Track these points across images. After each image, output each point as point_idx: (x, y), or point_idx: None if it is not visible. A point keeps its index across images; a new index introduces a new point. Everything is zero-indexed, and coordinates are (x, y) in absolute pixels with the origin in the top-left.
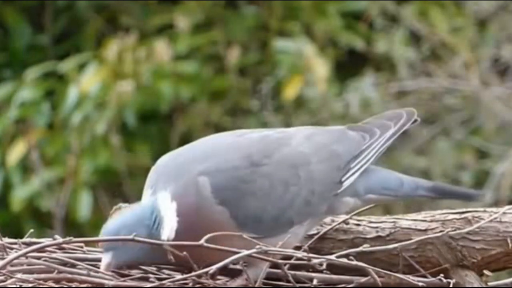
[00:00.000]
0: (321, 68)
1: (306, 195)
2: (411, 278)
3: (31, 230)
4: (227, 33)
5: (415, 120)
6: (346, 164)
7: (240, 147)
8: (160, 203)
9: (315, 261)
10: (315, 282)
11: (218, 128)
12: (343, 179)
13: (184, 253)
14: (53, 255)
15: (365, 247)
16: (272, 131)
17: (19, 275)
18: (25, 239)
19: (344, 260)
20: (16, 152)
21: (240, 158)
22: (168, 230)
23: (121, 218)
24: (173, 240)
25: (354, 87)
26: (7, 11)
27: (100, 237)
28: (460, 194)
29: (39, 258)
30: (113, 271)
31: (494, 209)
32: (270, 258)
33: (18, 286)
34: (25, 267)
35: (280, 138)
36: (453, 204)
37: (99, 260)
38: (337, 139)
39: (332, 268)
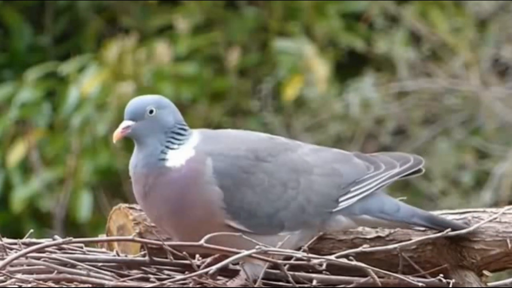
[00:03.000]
0: (321, 68)
1: (302, 201)
2: (410, 278)
3: (31, 231)
4: (227, 34)
5: (420, 170)
6: (347, 186)
7: (248, 141)
8: (191, 139)
9: (314, 261)
10: (314, 282)
11: (218, 129)
12: (340, 199)
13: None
14: (53, 255)
15: (364, 247)
16: (282, 137)
17: (19, 275)
18: (25, 240)
19: (344, 260)
20: (16, 153)
21: (246, 150)
22: (180, 157)
23: (168, 101)
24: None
25: (354, 88)
26: (7, 11)
27: (99, 238)
28: (452, 227)
29: (39, 258)
30: (112, 272)
31: (494, 210)
32: (268, 258)
33: (18, 286)
34: (25, 267)
35: (287, 143)
36: (453, 204)
37: (99, 260)
38: (342, 160)
39: (332, 268)
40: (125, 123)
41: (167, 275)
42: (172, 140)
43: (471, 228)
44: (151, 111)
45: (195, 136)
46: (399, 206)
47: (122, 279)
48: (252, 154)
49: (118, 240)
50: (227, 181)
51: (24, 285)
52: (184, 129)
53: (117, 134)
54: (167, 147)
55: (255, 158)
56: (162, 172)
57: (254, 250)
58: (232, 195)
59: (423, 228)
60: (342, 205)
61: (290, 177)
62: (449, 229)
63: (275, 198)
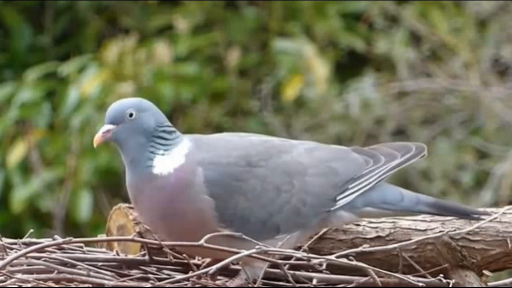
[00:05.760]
0: (321, 68)
1: (296, 204)
2: (411, 278)
3: (31, 231)
4: (227, 34)
5: (423, 155)
6: (344, 184)
7: (239, 147)
8: (180, 146)
9: (314, 261)
10: (314, 282)
11: (218, 129)
12: (338, 197)
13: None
14: (53, 255)
15: (364, 247)
16: (276, 139)
17: (19, 275)
18: (25, 239)
19: (344, 260)
20: (16, 153)
21: (237, 156)
22: (168, 164)
23: (149, 104)
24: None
25: (354, 88)
26: (7, 11)
27: (99, 238)
28: (460, 211)
29: (39, 258)
30: (113, 271)
31: (494, 209)
32: (268, 258)
33: (18, 286)
34: (25, 267)
35: (281, 145)
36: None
37: (99, 260)
38: (338, 157)
39: (332, 268)
40: (106, 127)
41: (167, 275)
42: (156, 145)
43: (471, 228)
44: (131, 115)
45: (186, 143)
46: (403, 194)
47: (122, 279)
48: (243, 160)
49: (118, 240)
50: (219, 190)
51: (24, 285)
52: (169, 132)
53: (97, 138)
54: (152, 152)
55: (247, 164)
56: (149, 178)
57: (254, 250)
58: (224, 204)
59: (423, 228)
60: (340, 203)
61: (283, 180)
62: (449, 229)
63: (268, 203)
